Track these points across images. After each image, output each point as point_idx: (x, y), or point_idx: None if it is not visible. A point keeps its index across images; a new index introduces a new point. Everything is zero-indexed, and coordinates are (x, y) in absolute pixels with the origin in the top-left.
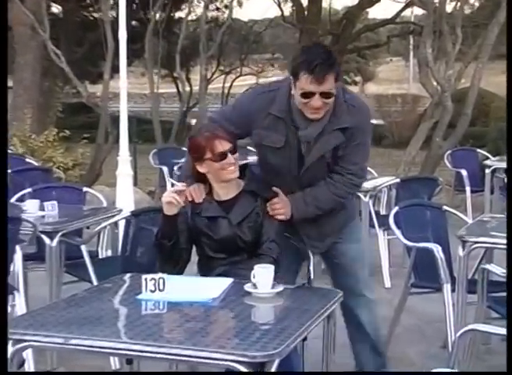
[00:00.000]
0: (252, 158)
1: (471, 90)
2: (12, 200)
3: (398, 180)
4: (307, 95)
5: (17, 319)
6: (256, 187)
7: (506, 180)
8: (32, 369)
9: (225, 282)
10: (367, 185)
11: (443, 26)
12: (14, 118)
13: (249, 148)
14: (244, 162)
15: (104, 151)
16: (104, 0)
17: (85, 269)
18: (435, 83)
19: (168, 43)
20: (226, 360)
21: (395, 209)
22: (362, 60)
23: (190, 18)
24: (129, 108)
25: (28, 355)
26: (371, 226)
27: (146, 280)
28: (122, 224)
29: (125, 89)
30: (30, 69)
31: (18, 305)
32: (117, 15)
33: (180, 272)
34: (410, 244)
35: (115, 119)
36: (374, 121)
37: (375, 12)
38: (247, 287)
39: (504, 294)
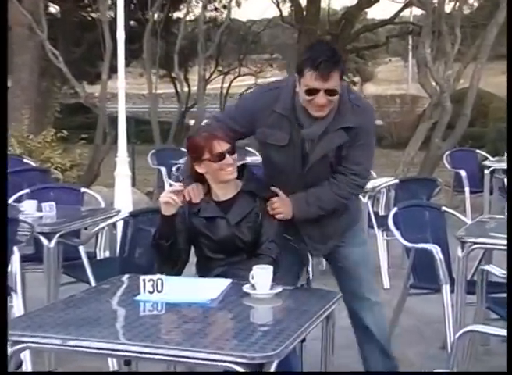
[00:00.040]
0: (250, 159)
1: (470, 90)
2: (10, 201)
3: (397, 180)
4: (311, 92)
5: (15, 321)
6: (255, 187)
7: (505, 180)
8: (30, 371)
9: (224, 283)
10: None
11: (442, 27)
12: (12, 118)
13: (247, 148)
14: (242, 162)
15: (103, 151)
16: (102, 0)
17: (83, 270)
18: (434, 84)
19: (166, 43)
20: (225, 361)
21: (394, 210)
22: (361, 60)
23: (188, 18)
24: (128, 108)
25: (26, 356)
26: (370, 226)
27: (144, 281)
28: (120, 225)
29: (123, 89)
30: (27, 70)
31: (15, 306)
32: (115, 15)
33: (179, 273)
34: (409, 244)
35: (113, 120)
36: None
37: (374, 13)
38: (246, 288)
39: (503, 295)
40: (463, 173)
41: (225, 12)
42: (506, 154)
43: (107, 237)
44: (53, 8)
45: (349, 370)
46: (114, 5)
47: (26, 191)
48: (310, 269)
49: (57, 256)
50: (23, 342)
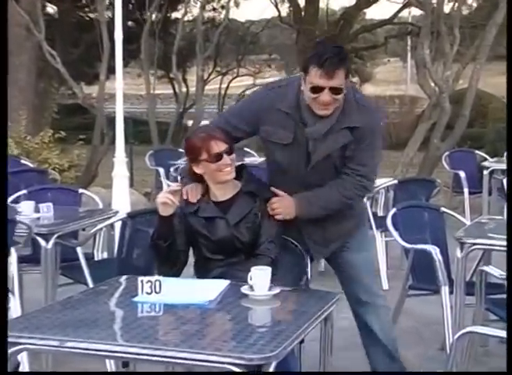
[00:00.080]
0: (249, 160)
1: (469, 91)
2: (7, 202)
3: (396, 181)
4: (316, 90)
5: (12, 322)
6: (254, 187)
7: (504, 181)
8: (28, 371)
9: (222, 284)
10: None
11: (441, 27)
12: (9, 119)
13: (246, 149)
14: (240, 163)
15: (100, 152)
16: (100, 0)
17: (81, 272)
18: (432, 85)
19: (164, 44)
20: (223, 363)
21: (392, 211)
22: (359, 61)
23: (186, 18)
24: (126, 109)
25: (23, 357)
26: (369, 227)
27: (142, 282)
28: (118, 226)
29: (121, 90)
30: (25, 70)
31: (13, 307)
32: (113, 15)
33: (177, 274)
34: (407, 245)
35: (111, 121)
36: None
37: (373, 13)
38: (244, 289)
39: (502, 296)
40: (462, 173)
41: (224, 12)
42: (506, 154)
43: (105, 238)
44: (51, 9)
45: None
46: (112, 5)
47: (24, 191)
48: (308, 270)
49: (54, 257)
50: (20, 344)
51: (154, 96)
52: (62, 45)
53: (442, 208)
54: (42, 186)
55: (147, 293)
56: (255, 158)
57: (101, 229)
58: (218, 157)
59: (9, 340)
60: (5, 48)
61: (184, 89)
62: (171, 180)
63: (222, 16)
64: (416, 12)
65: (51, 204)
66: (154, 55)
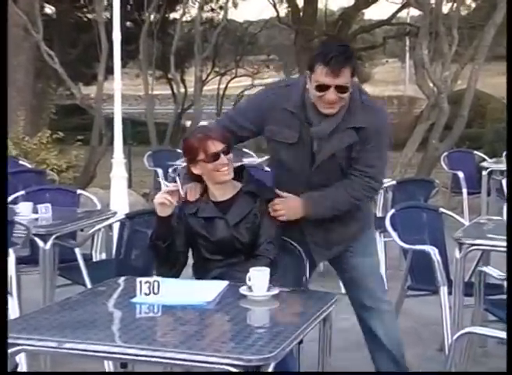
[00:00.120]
0: (247, 160)
1: (468, 91)
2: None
3: (394, 182)
4: (321, 88)
5: (10, 323)
6: (255, 188)
7: (503, 181)
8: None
9: (221, 285)
10: None
11: (439, 28)
12: None
13: (244, 150)
14: (240, 163)
15: (99, 153)
16: (98, 1)
17: (79, 273)
18: (431, 85)
19: (162, 44)
20: (222, 364)
21: (391, 211)
22: (358, 61)
23: (184, 19)
24: (124, 109)
25: (21, 359)
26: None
27: (140, 283)
28: (116, 227)
29: (119, 90)
30: (23, 71)
31: (11, 308)
32: (111, 16)
33: (177, 275)
34: (406, 246)
35: (110, 121)
36: None
37: (371, 14)
38: (243, 289)
39: (501, 296)
40: (460, 174)
41: (222, 12)
42: (506, 154)
43: (103, 238)
44: (49, 9)
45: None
46: (110, 5)
47: (22, 192)
48: (307, 270)
49: (53, 258)
50: (18, 345)
51: (152, 97)
52: (60, 46)
53: (441, 209)
54: (40, 187)
55: (146, 294)
56: (254, 159)
57: (99, 230)
58: (215, 157)
59: (7, 341)
60: (5, 49)
61: (182, 90)
62: (169, 181)
63: (221, 16)
64: (414, 12)
65: (49, 205)
66: (152, 56)
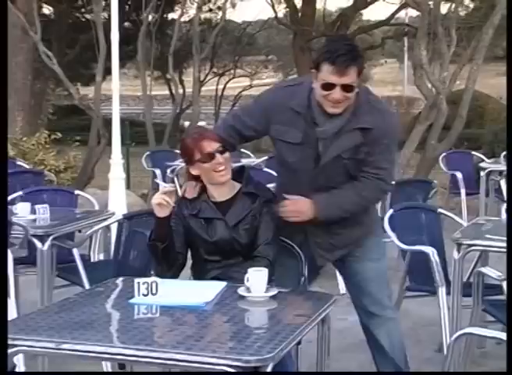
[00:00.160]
0: (245, 161)
1: (466, 92)
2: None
3: (393, 182)
4: (327, 87)
5: (8, 324)
6: (254, 188)
7: (501, 182)
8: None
9: (219, 286)
10: None
11: (438, 28)
12: None
13: (243, 150)
14: (240, 164)
15: (97, 153)
16: (96, 1)
17: (77, 273)
18: (429, 86)
19: (160, 45)
20: (220, 364)
21: (389, 212)
22: None
23: (182, 19)
24: (122, 110)
25: (19, 360)
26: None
27: (139, 283)
28: (114, 227)
29: (117, 91)
30: (21, 71)
31: (8, 309)
32: (109, 16)
33: (175, 276)
34: (404, 247)
35: (108, 122)
36: None
37: (369, 14)
38: (241, 290)
39: (500, 297)
40: (459, 174)
41: (220, 13)
42: (506, 154)
43: (101, 239)
44: (47, 10)
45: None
46: (108, 6)
47: (20, 193)
48: (305, 271)
49: (51, 259)
50: (16, 346)
51: (150, 97)
52: (58, 46)
53: (439, 210)
54: (38, 187)
55: (144, 294)
56: (252, 159)
57: (97, 230)
58: (211, 156)
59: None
60: (5, 50)
61: (181, 90)
62: (167, 182)
63: (219, 16)
64: (413, 13)
65: (47, 205)
66: (150, 56)
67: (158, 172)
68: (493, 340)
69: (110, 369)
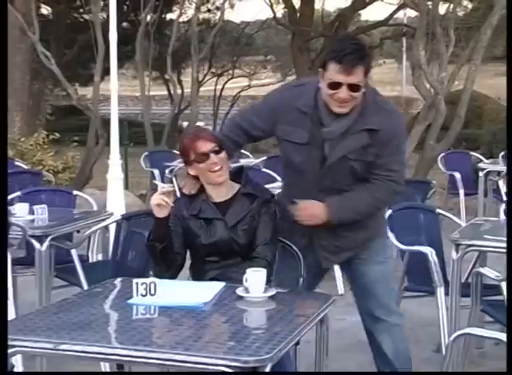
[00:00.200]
0: (244, 161)
1: (464, 92)
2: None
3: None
4: (334, 86)
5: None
6: (253, 189)
7: (499, 182)
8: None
9: (217, 286)
10: None
11: (436, 29)
12: None
13: (241, 150)
14: (239, 164)
15: (95, 154)
16: (94, 1)
17: (75, 274)
18: (428, 86)
19: (159, 45)
20: (218, 365)
21: (388, 212)
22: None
23: (181, 20)
24: (120, 110)
25: (17, 360)
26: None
27: (137, 284)
28: (112, 228)
29: (115, 91)
30: (19, 72)
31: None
32: (107, 17)
33: (173, 276)
34: (403, 247)
35: (106, 122)
36: None
37: (368, 14)
38: (239, 291)
39: (498, 297)
40: (457, 175)
41: (219, 13)
42: (506, 154)
43: (99, 240)
44: (45, 10)
45: None
46: (106, 6)
47: (18, 193)
48: (303, 272)
49: (49, 259)
50: (14, 346)
51: (149, 97)
52: (57, 46)
53: (438, 210)
54: (36, 188)
55: (142, 295)
56: (251, 160)
57: (95, 231)
58: (205, 156)
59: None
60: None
61: (179, 90)
62: (166, 182)
63: (217, 17)
64: (411, 13)
65: (45, 206)
66: (148, 57)
67: (156, 172)
68: (492, 340)
69: (108, 370)
